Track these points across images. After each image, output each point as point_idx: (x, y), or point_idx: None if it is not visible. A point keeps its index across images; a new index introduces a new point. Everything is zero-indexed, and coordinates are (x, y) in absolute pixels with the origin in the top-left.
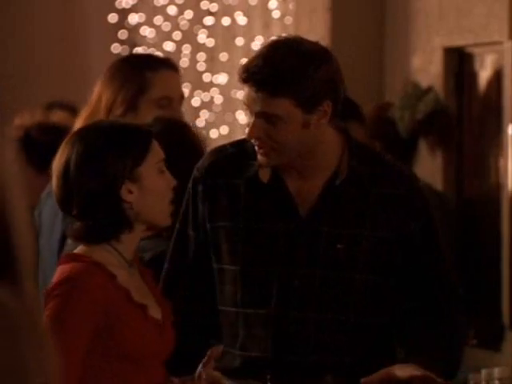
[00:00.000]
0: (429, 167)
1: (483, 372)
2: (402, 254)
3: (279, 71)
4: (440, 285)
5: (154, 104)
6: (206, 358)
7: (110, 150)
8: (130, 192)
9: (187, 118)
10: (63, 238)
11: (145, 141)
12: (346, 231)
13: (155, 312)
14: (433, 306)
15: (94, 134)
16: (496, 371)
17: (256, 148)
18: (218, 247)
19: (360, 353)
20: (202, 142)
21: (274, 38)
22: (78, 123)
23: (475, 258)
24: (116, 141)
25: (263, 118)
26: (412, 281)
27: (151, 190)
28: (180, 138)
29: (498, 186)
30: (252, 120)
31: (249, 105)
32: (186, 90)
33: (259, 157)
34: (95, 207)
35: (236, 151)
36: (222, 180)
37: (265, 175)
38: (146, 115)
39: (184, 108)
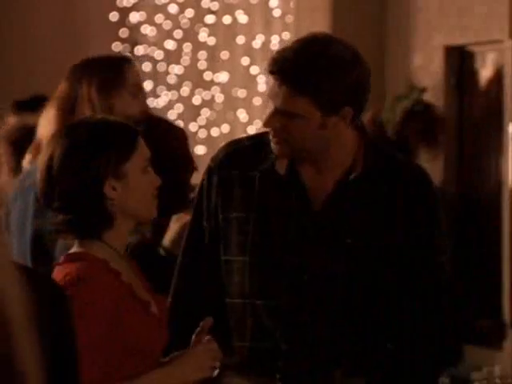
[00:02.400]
0: (428, 167)
1: (485, 370)
2: (411, 252)
3: (305, 69)
4: (441, 286)
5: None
6: (199, 329)
7: (94, 146)
8: (114, 189)
9: (188, 117)
10: (36, 238)
11: (131, 139)
12: (357, 227)
13: (154, 307)
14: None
15: (80, 130)
16: (497, 369)
17: (270, 136)
18: (227, 238)
19: (366, 347)
20: (183, 138)
21: (311, 33)
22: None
23: (476, 257)
24: (101, 137)
25: (282, 112)
26: (417, 279)
27: (135, 189)
28: (163, 136)
29: (499, 185)
30: (272, 110)
31: (271, 97)
32: (187, 88)
33: (273, 145)
34: (76, 201)
35: (253, 144)
36: (236, 171)
37: (281, 167)
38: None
39: (185, 106)
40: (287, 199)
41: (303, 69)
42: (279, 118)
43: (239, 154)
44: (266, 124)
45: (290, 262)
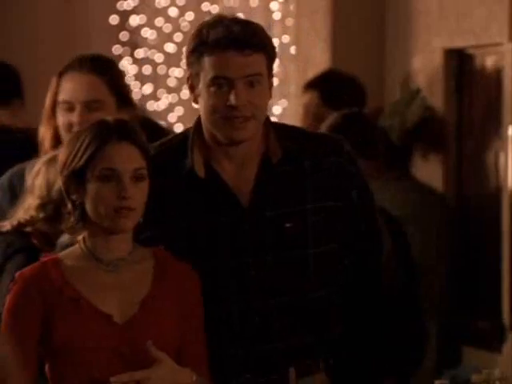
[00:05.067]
0: (428, 168)
1: (484, 372)
2: (344, 220)
3: (255, 29)
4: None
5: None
6: None
7: (71, 146)
8: (77, 191)
9: (189, 120)
10: None
11: (98, 143)
12: (290, 209)
13: (109, 308)
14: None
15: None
16: (497, 372)
17: (233, 122)
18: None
19: (323, 332)
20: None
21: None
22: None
23: (475, 259)
24: (78, 138)
25: (244, 82)
26: (354, 249)
27: (92, 196)
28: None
29: (499, 188)
30: (234, 85)
31: (227, 73)
32: (187, 91)
33: (234, 132)
34: (60, 200)
35: (175, 145)
36: (162, 178)
37: (200, 169)
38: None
39: (185, 109)
40: (213, 201)
41: (253, 29)
42: (243, 89)
43: (162, 161)
44: (236, 102)
45: (232, 264)
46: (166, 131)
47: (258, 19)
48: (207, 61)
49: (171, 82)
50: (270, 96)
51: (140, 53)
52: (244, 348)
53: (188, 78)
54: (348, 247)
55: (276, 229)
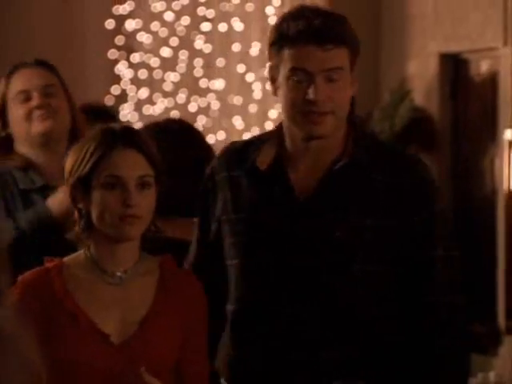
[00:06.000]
0: None
1: (479, 376)
2: (406, 243)
3: (337, 22)
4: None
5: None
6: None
7: (76, 154)
8: (83, 200)
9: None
10: None
11: (103, 149)
12: (346, 219)
13: (108, 326)
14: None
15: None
16: (492, 375)
17: (311, 116)
18: (224, 243)
19: (365, 348)
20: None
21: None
22: None
23: (471, 262)
24: (83, 146)
25: (323, 76)
26: (414, 275)
27: (97, 203)
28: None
29: (494, 191)
30: (313, 82)
31: (307, 66)
32: (183, 95)
33: (313, 127)
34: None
35: (243, 145)
36: (225, 174)
37: (263, 163)
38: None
39: (181, 113)
40: (272, 195)
41: (335, 21)
42: (323, 84)
43: (228, 157)
44: (316, 96)
45: (277, 262)
46: (110, 113)
47: (253, 24)
48: (287, 53)
49: (167, 87)
50: (352, 91)
51: (136, 57)
52: (280, 351)
53: (270, 70)
54: (402, 273)
55: (325, 235)
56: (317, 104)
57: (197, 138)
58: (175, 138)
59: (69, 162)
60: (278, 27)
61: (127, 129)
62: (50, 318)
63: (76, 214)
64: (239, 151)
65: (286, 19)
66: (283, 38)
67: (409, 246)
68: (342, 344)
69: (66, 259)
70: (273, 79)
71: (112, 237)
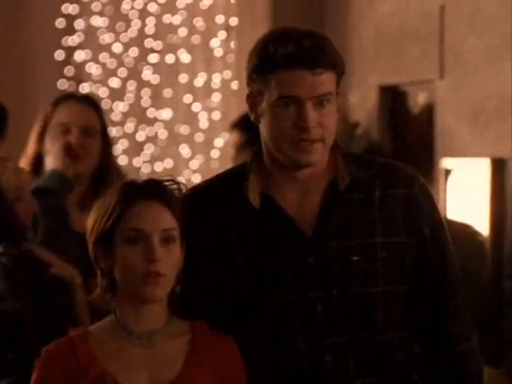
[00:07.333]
0: None
1: None
2: (416, 258)
3: (326, 44)
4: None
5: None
6: None
7: (98, 210)
8: (105, 259)
9: (132, 152)
10: None
11: (125, 203)
12: (357, 241)
13: None
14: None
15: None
16: None
17: (301, 145)
18: (219, 288)
19: (390, 369)
20: None
21: (273, 28)
22: None
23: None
24: (104, 201)
25: (313, 102)
26: (423, 288)
27: (120, 261)
28: None
29: None
30: (304, 106)
31: (297, 93)
32: (131, 124)
33: (302, 156)
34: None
35: (227, 178)
36: (211, 216)
37: (255, 199)
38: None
39: (130, 142)
40: (273, 233)
41: (321, 45)
42: (312, 110)
43: (217, 192)
44: (308, 123)
45: (297, 300)
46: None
47: (199, 56)
48: (274, 78)
49: (115, 116)
50: (338, 116)
51: (85, 87)
52: None
53: (248, 96)
54: (417, 287)
55: (342, 261)
56: (307, 131)
57: None
58: None
59: (90, 220)
60: (262, 51)
61: (150, 181)
62: None
63: (99, 274)
64: (221, 188)
65: (269, 42)
66: (269, 61)
67: (420, 259)
68: (373, 374)
69: (91, 327)
70: (253, 106)
71: (136, 297)
